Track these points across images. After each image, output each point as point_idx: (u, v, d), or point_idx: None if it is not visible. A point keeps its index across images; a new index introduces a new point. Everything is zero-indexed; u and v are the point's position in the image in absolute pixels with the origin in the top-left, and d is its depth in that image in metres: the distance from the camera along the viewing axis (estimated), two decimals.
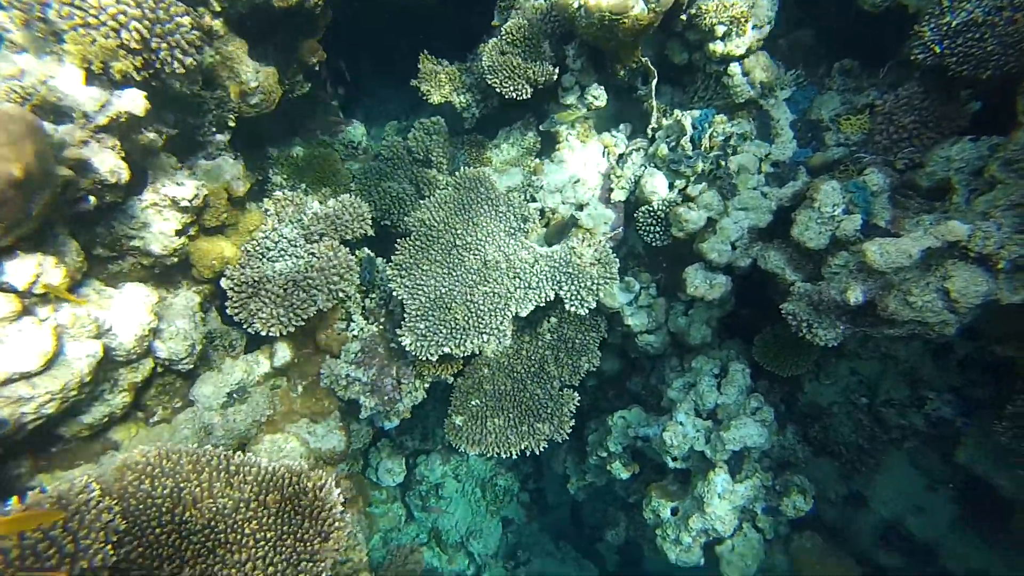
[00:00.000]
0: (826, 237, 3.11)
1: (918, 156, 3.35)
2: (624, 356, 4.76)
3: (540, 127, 4.36)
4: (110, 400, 2.71)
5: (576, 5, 3.52)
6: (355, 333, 3.87)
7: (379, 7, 4.89)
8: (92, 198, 2.49)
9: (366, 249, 4.13)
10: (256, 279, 3.41)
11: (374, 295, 3.97)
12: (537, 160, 4.04)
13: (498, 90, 3.97)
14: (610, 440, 4.37)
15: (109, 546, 1.70)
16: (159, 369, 3.11)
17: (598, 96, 4.14)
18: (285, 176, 4.78)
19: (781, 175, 3.77)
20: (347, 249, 3.69)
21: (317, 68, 4.66)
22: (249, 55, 3.86)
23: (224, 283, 3.36)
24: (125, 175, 2.54)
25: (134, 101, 2.60)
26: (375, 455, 5.47)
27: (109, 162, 2.47)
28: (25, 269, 2.16)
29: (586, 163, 4.04)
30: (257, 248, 3.54)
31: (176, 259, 3.05)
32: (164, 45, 2.68)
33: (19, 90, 2.24)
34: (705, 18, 3.75)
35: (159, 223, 2.93)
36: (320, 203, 4.01)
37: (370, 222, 3.96)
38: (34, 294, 2.22)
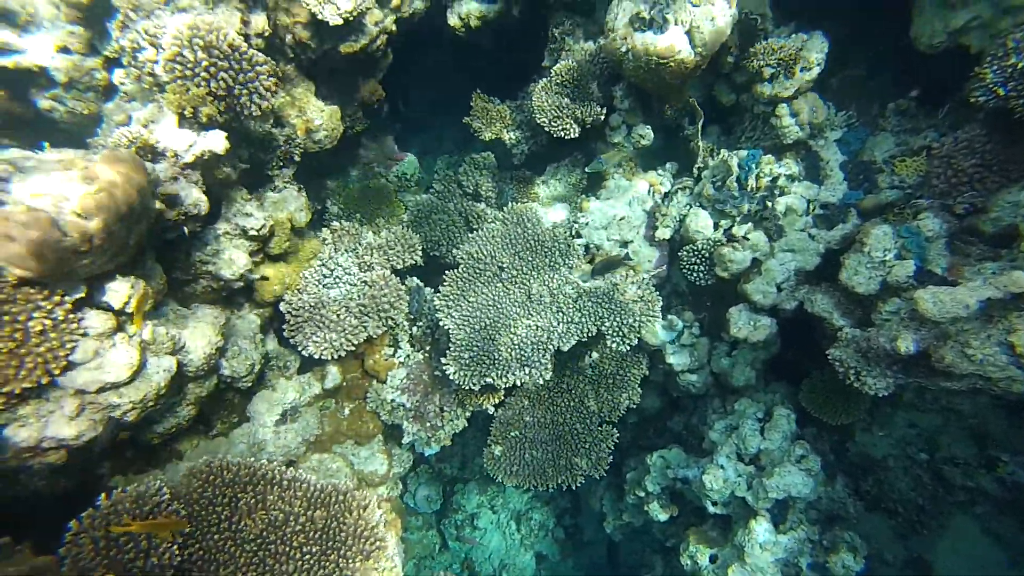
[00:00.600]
0: (876, 283, 3.06)
1: (980, 201, 3.25)
2: (666, 394, 4.71)
3: (587, 168, 4.48)
4: (179, 412, 2.92)
5: (624, 49, 3.65)
6: (401, 360, 4.01)
7: (437, 47, 5.19)
8: (186, 228, 2.75)
9: (415, 279, 4.31)
10: (312, 304, 3.62)
11: (421, 323, 4.12)
12: (583, 197, 4.15)
13: (547, 129, 4.13)
14: (648, 480, 4.31)
15: (176, 546, 1.85)
16: (221, 386, 3.33)
17: (644, 135, 4.23)
18: (342, 206, 5.07)
19: (830, 217, 3.73)
20: (398, 279, 3.88)
21: (376, 106, 4.97)
22: (315, 95, 4.18)
23: (283, 307, 3.58)
24: (205, 207, 2.80)
25: (216, 141, 2.88)
26: (413, 481, 5.56)
27: (193, 195, 2.73)
28: (121, 290, 2.40)
29: (631, 201, 4.12)
30: (314, 275, 3.76)
31: (242, 283, 3.29)
32: (245, 92, 2.96)
33: (128, 135, 2.53)
34: (753, 60, 3.81)
35: (230, 250, 3.18)
36: (374, 234, 4.23)
37: (420, 252, 4.15)
38: (126, 312, 2.46)
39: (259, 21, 3.22)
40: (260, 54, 3.05)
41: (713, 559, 3.88)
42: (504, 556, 5.74)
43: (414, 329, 4.11)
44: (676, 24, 3.50)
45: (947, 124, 3.88)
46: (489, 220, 4.83)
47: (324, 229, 4.04)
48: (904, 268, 2.93)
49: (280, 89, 3.17)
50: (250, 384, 3.46)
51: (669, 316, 4.04)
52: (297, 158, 3.92)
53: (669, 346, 4.05)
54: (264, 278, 3.47)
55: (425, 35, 5.03)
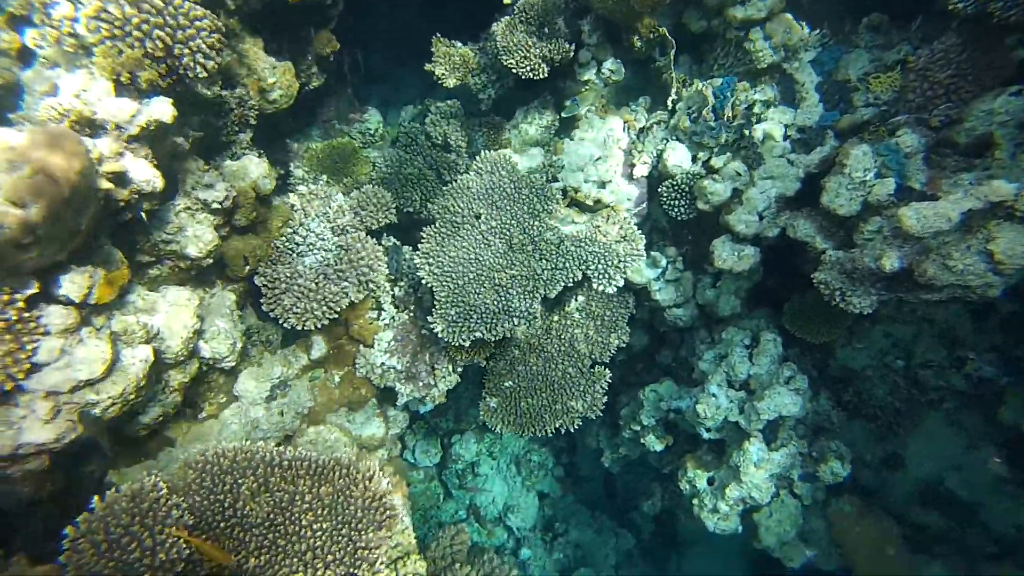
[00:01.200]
0: (858, 203, 3.05)
1: (955, 112, 3.22)
2: (653, 330, 4.77)
3: (562, 112, 4.32)
4: (163, 400, 2.83)
5: None
6: (386, 322, 3.94)
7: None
8: (142, 209, 2.56)
9: (391, 238, 4.18)
10: (288, 275, 3.48)
11: (402, 283, 4.03)
12: (557, 139, 4.01)
13: (514, 70, 3.93)
14: (643, 414, 4.42)
15: (182, 540, 1.81)
16: (204, 368, 3.23)
17: (615, 70, 4.07)
18: (306, 169, 4.82)
19: (808, 141, 3.68)
20: (374, 240, 3.74)
21: (331, 59, 4.65)
22: (264, 51, 3.88)
23: (258, 280, 3.45)
24: (159, 183, 2.61)
25: (162, 109, 2.65)
26: (411, 437, 5.62)
27: (144, 172, 2.53)
28: (78, 281, 2.25)
29: (606, 139, 4.00)
30: (287, 244, 3.61)
31: (211, 260, 3.13)
32: (187, 51, 2.71)
33: (58, 107, 2.30)
34: None
35: (193, 226, 3.00)
36: (344, 195, 4.05)
37: (394, 210, 4.00)
38: (88, 304, 2.32)
39: None
40: (198, 7, 2.78)
41: (711, 481, 4.05)
42: (508, 499, 5.92)
43: (396, 290, 4.02)
44: None
45: (920, 37, 3.80)
46: (462, 171, 4.67)
47: (291, 195, 3.85)
48: (885, 186, 2.93)
49: (225, 47, 2.90)
50: (234, 363, 3.36)
51: (652, 253, 4.02)
52: (253, 121, 3.67)
53: (654, 283, 4.05)
54: (234, 252, 3.31)
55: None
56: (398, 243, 4.15)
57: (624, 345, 4.09)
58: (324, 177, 4.86)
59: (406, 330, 3.87)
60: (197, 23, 2.72)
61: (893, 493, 4.40)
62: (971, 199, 2.61)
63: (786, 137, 3.67)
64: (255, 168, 3.40)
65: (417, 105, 6.10)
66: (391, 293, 4.00)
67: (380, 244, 4.08)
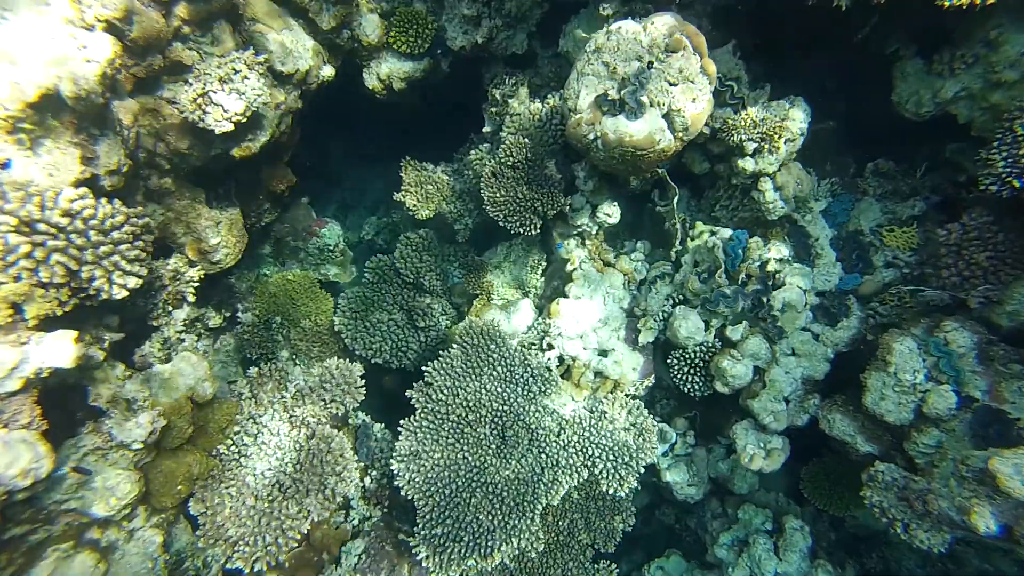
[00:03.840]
0: (909, 411, 2.68)
1: (994, 294, 2.95)
2: (654, 490, 4.27)
3: (550, 256, 3.87)
4: None
5: (591, 136, 3.02)
6: (355, 523, 3.29)
7: (360, 101, 4.33)
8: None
9: (360, 415, 3.56)
10: (234, 494, 2.81)
11: (374, 472, 3.40)
12: (550, 300, 3.53)
13: (501, 224, 3.47)
14: None
15: None
16: None
17: (611, 214, 3.66)
18: (257, 312, 4.18)
19: (830, 309, 3.35)
20: (341, 435, 3.12)
21: (287, 192, 4.09)
22: (207, 201, 3.29)
23: (194, 508, 2.76)
24: (46, 465, 1.94)
25: (59, 351, 2.01)
26: None
27: (22, 460, 1.86)
28: None
29: (605, 297, 3.55)
30: (233, 450, 2.94)
31: (128, 510, 2.44)
32: (99, 271, 2.09)
33: None
34: (733, 134, 3.31)
35: (105, 473, 2.32)
36: (303, 369, 3.43)
37: (363, 387, 3.39)
38: None
39: (110, 153, 2.30)
40: (120, 209, 2.17)
41: None
42: None
43: (367, 480, 3.38)
44: (652, 106, 2.92)
45: (927, 187, 3.60)
46: (437, 314, 4.12)
47: (240, 380, 3.20)
48: (944, 399, 2.56)
49: (148, 257, 2.30)
50: None
51: (660, 425, 3.55)
52: (191, 297, 3.04)
53: (663, 459, 3.58)
54: (162, 478, 2.63)
55: (342, 93, 4.16)
56: (367, 420, 3.54)
57: (630, 529, 3.57)
58: (278, 319, 4.23)
59: (380, 539, 3.22)
60: (115, 233, 2.12)
61: None
62: None
63: (806, 305, 3.32)
64: (192, 370, 2.75)
65: (381, 217, 5.56)
66: (361, 485, 3.36)
67: (347, 423, 3.47)
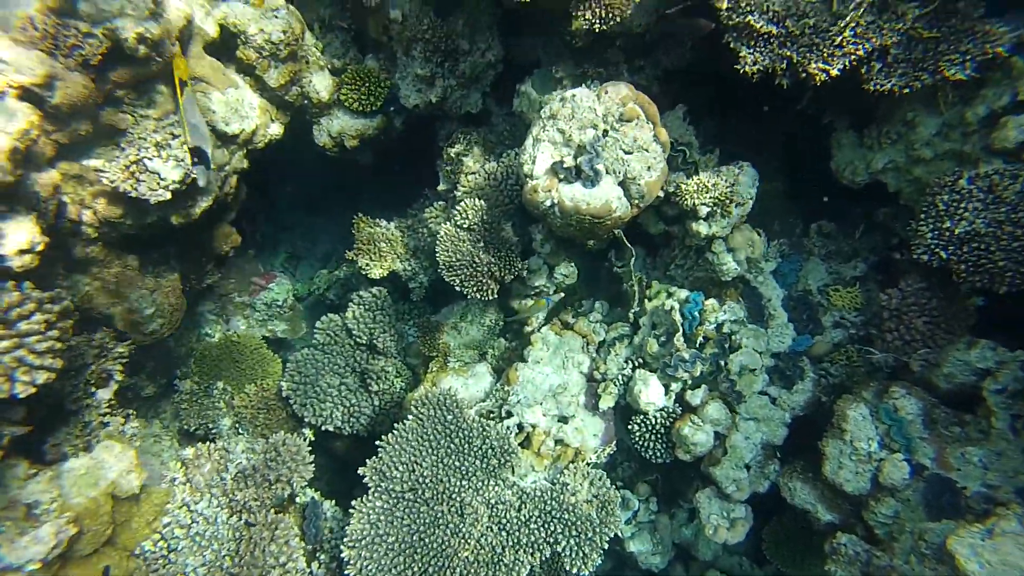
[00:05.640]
0: (866, 480, 2.70)
1: (933, 357, 3.06)
2: (615, 553, 4.16)
3: (507, 316, 3.80)
4: None
5: (548, 204, 3.00)
6: None
7: (310, 154, 4.20)
8: None
9: (309, 491, 3.33)
10: None
11: (323, 556, 3.16)
12: (511, 370, 3.43)
13: (458, 289, 3.38)
14: None
15: None
16: None
17: (569, 274, 3.64)
18: (197, 378, 3.91)
19: (784, 371, 3.39)
20: (287, 519, 2.89)
21: (231, 253, 3.89)
22: (142, 267, 3.06)
23: None
24: None
25: None
26: None
27: None
28: None
29: (564, 361, 3.49)
30: (161, 546, 2.67)
31: None
32: None
33: None
34: (687, 198, 3.36)
35: None
36: (246, 445, 3.19)
37: (311, 465, 3.18)
38: None
39: (19, 232, 2.09)
40: (28, 294, 1.96)
41: None
42: None
43: (315, 566, 3.13)
44: (608, 174, 2.93)
45: (866, 248, 3.75)
46: (392, 377, 3.96)
47: (171, 463, 2.93)
48: (898, 470, 2.59)
49: (61, 353, 2.08)
50: None
51: (623, 492, 3.47)
52: (119, 376, 2.79)
53: (626, 527, 3.49)
54: None
55: (292, 145, 4.02)
56: (316, 497, 3.31)
57: None
58: (219, 385, 3.97)
59: None
60: (22, 324, 1.90)
61: None
62: None
63: (761, 367, 3.35)
64: (115, 462, 2.49)
65: (332, 270, 5.37)
66: (308, 572, 3.11)
67: (294, 502, 3.23)
